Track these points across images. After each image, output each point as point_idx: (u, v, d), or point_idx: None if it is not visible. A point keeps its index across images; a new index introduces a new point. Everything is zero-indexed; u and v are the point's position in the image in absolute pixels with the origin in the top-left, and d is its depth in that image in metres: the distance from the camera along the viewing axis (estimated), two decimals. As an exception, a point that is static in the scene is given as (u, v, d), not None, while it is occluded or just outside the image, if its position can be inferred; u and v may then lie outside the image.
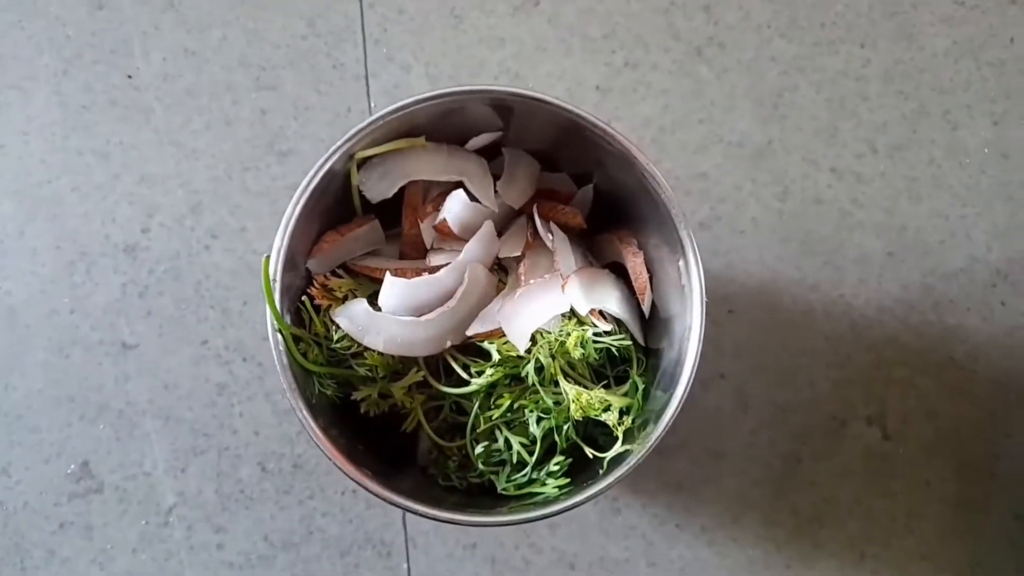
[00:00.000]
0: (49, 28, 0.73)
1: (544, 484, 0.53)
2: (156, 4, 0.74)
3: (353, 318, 0.51)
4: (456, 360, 0.53)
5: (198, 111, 0.73)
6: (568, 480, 0.53)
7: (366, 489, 0.48)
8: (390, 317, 0.52)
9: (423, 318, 0.52)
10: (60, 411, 0.69)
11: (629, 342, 0.54)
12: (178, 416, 0.69)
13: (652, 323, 0.57)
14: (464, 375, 0.53)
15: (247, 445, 0.69)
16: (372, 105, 0.73)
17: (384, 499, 0.48)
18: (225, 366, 0.70)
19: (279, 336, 0.49)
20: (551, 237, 0.54)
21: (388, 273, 0.52)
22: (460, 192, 0.54)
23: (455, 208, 0.54)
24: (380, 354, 0.51)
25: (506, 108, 0.54)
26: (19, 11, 0.73)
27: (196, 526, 0.68)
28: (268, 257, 0.47)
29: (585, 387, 0.52)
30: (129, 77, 0.73)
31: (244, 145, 0.73)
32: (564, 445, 0.54)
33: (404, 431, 0.56)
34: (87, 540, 0.68)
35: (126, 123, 0.73)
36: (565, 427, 0.53)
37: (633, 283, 0.56)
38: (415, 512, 0.48)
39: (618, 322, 0.55)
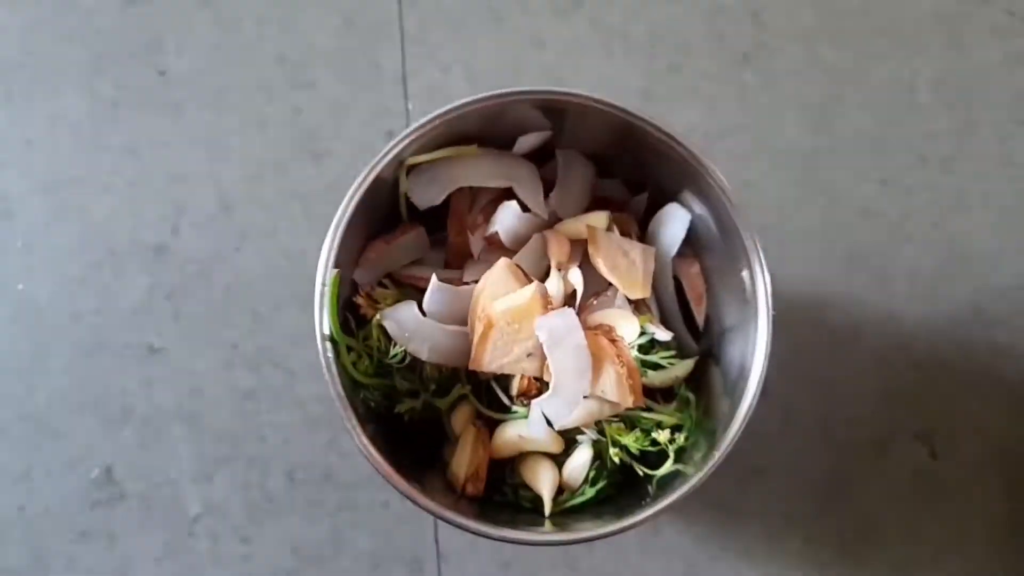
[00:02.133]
0: (80, 23, 0.71)
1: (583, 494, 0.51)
2: (190, 1, 0.72)
3: (401, 322, 0.49)
4: (498, 382, 0.51)
5: (231, 109, 0.71)
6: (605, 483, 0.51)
7: (413, 501, 0.46)
8: (436, 324, 0.50)
9: (468, 328, 0.50)
10: (84, 415, 0.67)
11: (690, 363, 0.52)
12: (205, 423, 0.67)
13: (704, 334, 0.55)
14: (505, 400, 0.51)
15: (276, 454, 0.67)
16: (410, 107, 0.72)
17: (431, 512, 0.46)
18: (254, 372, 0.68)
19: (329, 344, 0.46)
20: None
21: (434, 276, 0.50)
22: (513, 204, 0.52)
23: (506, 220, 0.52)
24: (432, 366, 0.49)
25: (558, 112, 0.52)
26: (50, 6, 0.72)
27: (222, 537, 0.66)
28: (338, 272, 0.46)
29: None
30: (161, 74, 0.72)
31: (277, 145, 0.71)
32: (613, 466, 0.51)
33: (445, 443, 0.54)
34: (109, 549, 0.66)
35: (157, 120, 0.71)
36: (612, 451, 0.51)
37: (688, 294, 0.54)
38: (462, 527, 0.46)
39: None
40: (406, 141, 0.49)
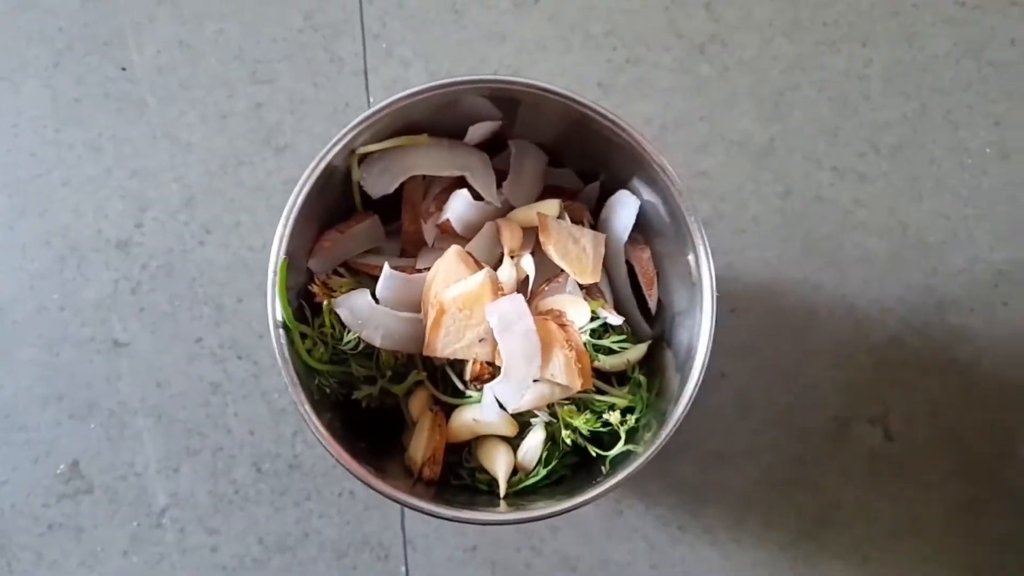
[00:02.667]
0: (40, 19, 0.72)
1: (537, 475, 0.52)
2: (151, -4, 0.73)
3: (354, 309, 0.50)
4: (452, 367, 0.52)
5: (193, 104, 0.72)
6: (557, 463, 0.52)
7: (369, 486, 0.47)
8: (389, 311, 0.51)
9: (421, 315, 0.51)
10: (49, 410, 0.67)
11: (643, 347, 0.53)
12: (171, 415, 0.68)
13: (657, 318, 0.56)
14: (459, 384, 0.52)
15: (242, 445, 0.67)
16: (371, 100, 0.72)
17: (387, 496, 0.46)
18: (219, 364, 0.68)
19: (282, 332, 0.47)
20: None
21: (387, 263, 0.51)
22: (464, 192, 0.53)
23: (459, 208, 0.53)
24: (388, 353, 0.50)
25: (511, 102, 0.53)
26: (9, 1, 0.72)
27: (189, 528, 0.67)
28: (286, 259, 0.47)
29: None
30: (123, 69, 0.72)
31: (239, 140, 0.71)
32: (566, 447, 0.52)
33: (404, 429, 0.54)
34: (76, 542, 0.66)
35: (119, 116, 0.71)
36: (564, 432, 0.52)
37: (640, 279, 0.55)
38: (419, 509, 0.47)
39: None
40: (357, 130, 0.50)
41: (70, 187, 0.70)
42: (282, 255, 0.47)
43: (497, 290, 0.49)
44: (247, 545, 0.66)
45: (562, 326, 0.49)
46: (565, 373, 0.48)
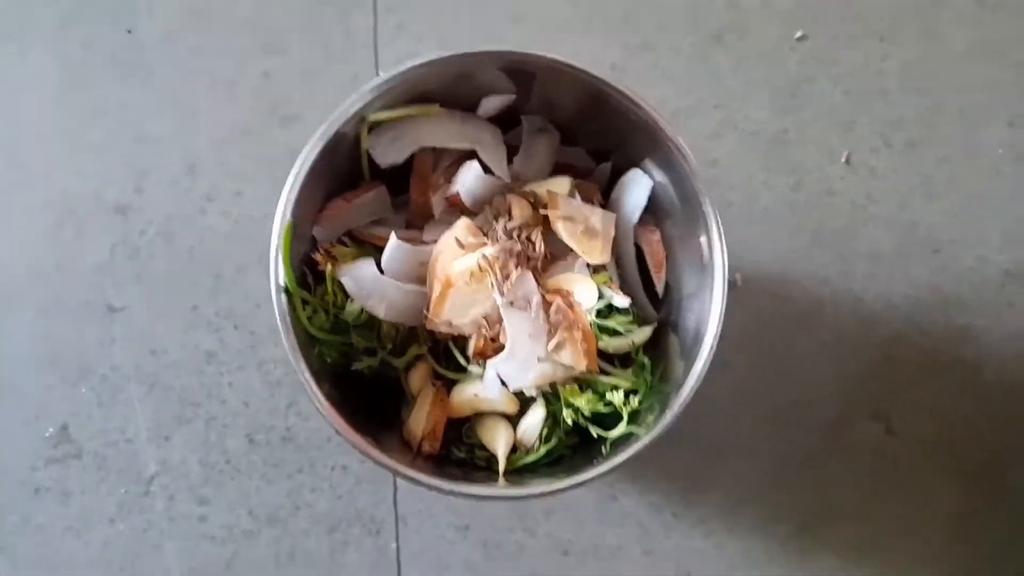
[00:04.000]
0: (49, -23, 0.71)
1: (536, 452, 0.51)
2: (162, -41, 0.72)
3: (358, 279, 0.49)
4: (455, 342, 0.51)
5: (200, 72, 0.71)
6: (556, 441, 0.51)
7: (368, 456, 0.46)
8: (393, 283, 0.50)
9: (427, 288, 0.50)
10: (41, 373, 0.66)
11: (648, 330, 0.52)
12: (164, 383, 0.67)
13: (664, 302, 0.55)
14: (461, 360, 0.51)
15: (235, 416, 0.67)
16: (381, 75, 0.71)
17: (386, 466, 0.46)
18: (216, 333, 0.67)
19: (284, 297, 0.46)
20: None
21: (393, 234, 0.50)
22: (475, 163, 0.52)
23: (468, 181, 0.52)
24: (389, 325, 0.49)
25: (526, 76, 0.52)
26: (18, -42, 0.71)
27: (178, 496, 0.66)
28: (291, 222, 0.46)
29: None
30: (129, 32, 0.71)
31: (246, 109, 0.70)
32: (566, 427, 0.52)
33: (403, 403, 0.54)
34: (63, 507, 0.65)
35: (125, 81, 0.70)
36: (565, 412, 0.51)
37: (648, 261, 0.54)
38: (417, 482, 0.46)
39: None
40: (369, 97, 0.49)
41: (73, 150, 0.69)
42: (288, 218, 0.46)
43: (505, 265, 0.48)
44: (237, 516, 0.66)
45: (569, 306, 0.48)
46: (571, 354, 0.47)
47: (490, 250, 0.48)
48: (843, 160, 0.72)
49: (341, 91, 0.71)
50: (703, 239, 0.49)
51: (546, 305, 0.48)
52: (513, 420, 0.51)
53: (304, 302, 0.48)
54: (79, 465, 0.66)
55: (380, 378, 0.53)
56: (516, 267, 0.48)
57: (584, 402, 0.49)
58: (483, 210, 0.52)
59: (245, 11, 0.71)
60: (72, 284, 0.67)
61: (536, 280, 0.49)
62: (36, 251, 0.68)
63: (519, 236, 0.50)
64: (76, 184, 0.69)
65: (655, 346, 0.54)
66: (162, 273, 0.68)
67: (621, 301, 0.52)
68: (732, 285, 0.67)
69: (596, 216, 0.51)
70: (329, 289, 0.49)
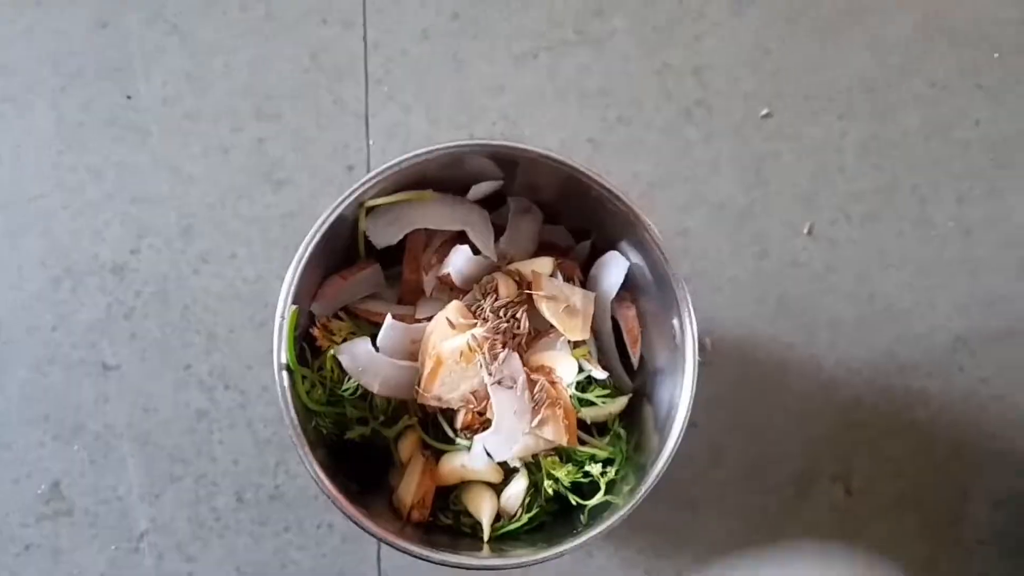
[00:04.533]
0: (52, 42, 0.73)
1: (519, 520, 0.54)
2: (161, 27, 0.75)
3: (355, 356, 0.52)
4: (444, 414, 0.54)
5: (196, 136, 0.73)
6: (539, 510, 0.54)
7: (362, 528, 0.48)
8: (388, 360, 0.53)
9: (418, 363, 0.53)
10: (34, 430, 0.68)
11: (624, 400, 0.56)
12: (156, 441, 0.69)
13: (639, 372, 0.59)
14: (449, 432, 0.54)
15: (225, 474, 0.69)
16: (371, 143, 0.75)
17: (378, 538, 0.48)
18: (207, 393, 0.70)
19: (285, 374, 0.49)
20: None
21: (389, 315, 0.53)
22: (465, 247, 0.56)
23: (458, 263, 0.55)
24: (382, 397, 0.52)
25: (510, 161, 0.56)
26: (23, 25, 0.73)
27: (167, 554, 0.67)
28: (296, 309, 0.49)
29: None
30: (128, 97, 0.73)
31: (240, 173, 0.73)
32: (548, 495, 0.55)
33: (391, 468, 0.56)
34: (53, 563, 0.67)
35: (122, 143, 0.73)
36: (547, 482, 0.54)
37: (624, 336, 0.58)
38: (409, 553, 0.49)
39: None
40: (367, 184, 0.52)
41: (70, 210, 0.71)
42: (290, 303, 0.49)
43: (493, 346, 0.51)
44: (225, 573, 0.67)
45: (552, 383, 0.52)
46: (553, 430, 0.50)
47: (479, 331, 0.51)
48: (805, 231, 0.76)
49: (333, 158, 0.75)
50: (675, 322, 0.53)
51: (530, 383, 0.51)
52: (497, 488, 0.54)
53: (303, 377, 0.51)
54: (70, 522, 0.67)
55: (369, 443, 0.56)
56: (503, 347, 0.51)
57: (564, 473, 0.52)
58: (471, 288, 0.56)
59: (240, 78, 0.74)
60: (67, 342, 0.69)
61: (521, 358, 0.52)
62: (32, 308, 0.70)
63: (505, 314, 0.53)
64: (73, 243, 0.71)
65: (631, 414, 0.58)
66: (156, 332, 0.70)
67: (599, 374, 0.55)
68: (702, 347, 0.71)
69: (577, 296, 0.55)
70: (328, 366, 0.52)
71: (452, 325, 0.51)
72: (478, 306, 0.53)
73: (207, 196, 0.73)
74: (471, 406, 0.51)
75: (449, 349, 0.50)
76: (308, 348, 0.54)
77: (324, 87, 0.75)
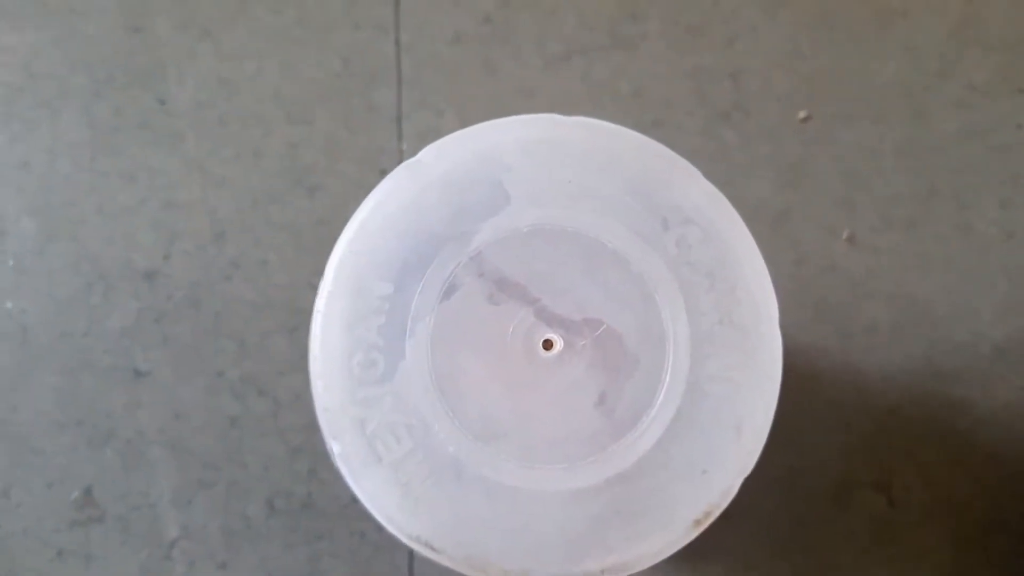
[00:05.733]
0: (83, 49, 0.73)
1: None
2: (192, 32, 0.74)
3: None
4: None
5: (228, 141, 0.73)
6: None
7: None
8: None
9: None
10: (66, 435, 0.68)
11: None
12: (187, 447, 0.68)
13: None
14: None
15: (256, 481, 0.68)
16: (403, 147, 0.74)
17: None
18: (239, 399, 0.69)
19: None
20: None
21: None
22: None
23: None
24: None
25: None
26: (54, 31, 0.73)
27: (198, 562, 0.67)
28: None
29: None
30: (161, 103, 0.73)
31: (272, 178, 0.73)
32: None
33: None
34: (85, 569, 0.66)
35: (155, 148, 0.73)
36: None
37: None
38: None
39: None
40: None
41: (102, 215, 0.71)
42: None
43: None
44: (256, 581, 0.67)
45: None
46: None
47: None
48: (844, 237, 0.75)
49: (365, 162, 0.75)
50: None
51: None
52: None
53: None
54: (102, 528, 0.67)
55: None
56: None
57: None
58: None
59: (271, 83, 0.74)
60: (99, 348, 0.69)
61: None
62: (64, 314, 0.70)
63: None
64: (105, 248, 0.71)
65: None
66: (187, 338, 0.70)
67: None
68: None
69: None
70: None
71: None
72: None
73: (239, 201, 0.72)
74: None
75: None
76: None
77: (356, 91, 0.75)
